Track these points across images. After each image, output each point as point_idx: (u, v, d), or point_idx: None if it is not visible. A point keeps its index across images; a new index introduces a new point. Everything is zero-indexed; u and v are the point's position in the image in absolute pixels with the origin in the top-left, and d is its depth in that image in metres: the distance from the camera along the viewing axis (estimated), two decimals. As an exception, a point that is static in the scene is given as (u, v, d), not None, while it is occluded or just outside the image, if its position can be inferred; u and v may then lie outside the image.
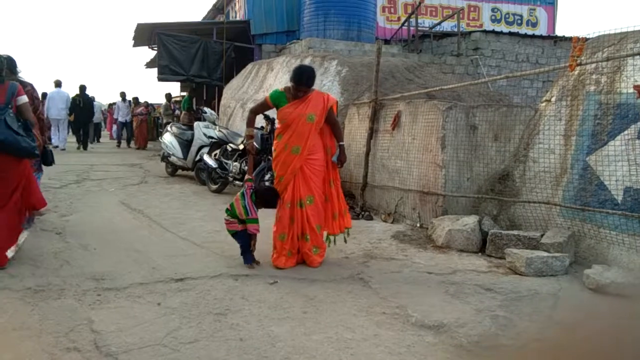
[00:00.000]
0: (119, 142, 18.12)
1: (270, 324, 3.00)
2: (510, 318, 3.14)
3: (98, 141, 19.65)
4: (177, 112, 17.50)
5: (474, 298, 3.45)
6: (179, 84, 23.07)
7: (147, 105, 18.66)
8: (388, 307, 3.28)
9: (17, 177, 3.93)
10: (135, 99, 18.11)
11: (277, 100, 4.03)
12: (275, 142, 4.15)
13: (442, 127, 5.24)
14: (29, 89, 4.75)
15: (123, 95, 17.57)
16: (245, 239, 3.99)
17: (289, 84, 4.01)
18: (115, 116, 17.66)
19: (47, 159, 4.78)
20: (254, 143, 4.11)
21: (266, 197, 4.03)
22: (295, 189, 3.98)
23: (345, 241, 4.40)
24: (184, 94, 19.91)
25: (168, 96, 17.38)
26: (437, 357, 2.73)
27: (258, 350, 2.66)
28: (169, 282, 3.66)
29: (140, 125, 17.24)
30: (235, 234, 4.03)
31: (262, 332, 2.89)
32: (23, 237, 4.26)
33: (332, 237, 4.25)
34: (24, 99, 3.97)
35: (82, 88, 14.98)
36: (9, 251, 3.90)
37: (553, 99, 4.81)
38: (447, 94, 7.40)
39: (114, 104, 19.19)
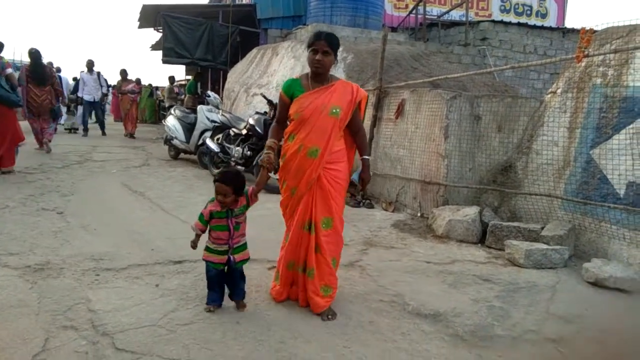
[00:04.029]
0: (85, 130, 13.05)
1: (267, 309, 3.01)
2: (506, 309, 3.14)
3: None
4: (182, 95, 17.35)
5: (471, 288, 3.46)
6: (184, 67, 23.02)
7: (138, 82, 15.01)
8: (385, 295, 3.28)
9: (11, 120, 6.67)
10: (123, 72, 14.10)
11: (289, 89, 3.01)
12: (285, 144, 3.06)
13: (445, 117, 5.21)
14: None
15: (90, 64, 12.60)
16: (209, 276, 2.94)
17: (303, 74, 3.12)
18: (79, 93, 12.78)
19: (56, 114, 9.42)
20: (271, 155, 2.97)
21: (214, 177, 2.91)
22: (307, 206, 2.95)
23: None
24: (189, 77, 19.80)
25: (171, 79, 17.33)
26: (432, 346, 2.74)
27: (254, 334, 2.67)
28: (167, 264, 3.67)
29: (132, 107, 13.80)
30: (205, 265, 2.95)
31: (258, 315, 2.90)
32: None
33: None
34: (9, 70, 6.69)
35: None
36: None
37: (559, 91, 4.76)
38: (453, 83, 7.34)
39: (77, 79, 14.46)
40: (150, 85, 20.97)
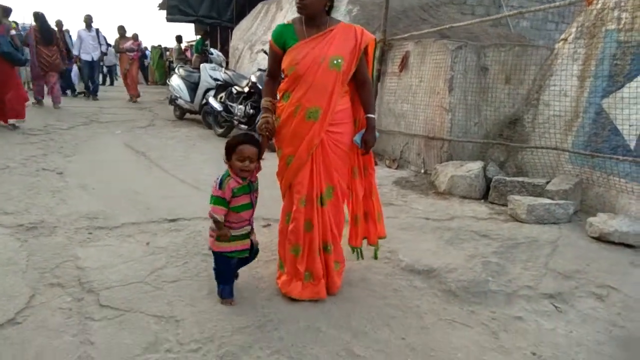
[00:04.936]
0: (87, 92, 12.14)
1: (257, 266, 2.96)
2: (503, 265, 3.06)
3: (112, 84, 19.20)
4: (192, 56, 17.02)
5: (468, 244, 3.37)
6: (193, 27, 22.62)
7: (135, 37, 12.87)
8: (379, 252, 3.21)
9: (14, 76, 7.24)
10: (121, 29, 12.59)
11: (280, 37, 2.53)
12: (279, 104, 2.61)
13: (450, 68, 4.99)
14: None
15: (88, 19, 11.41)
16: (222, 269, 2.51)
17: (296, 17, 2.60)
18: (75, 52, 11.30)
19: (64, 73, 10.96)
20: (269, 118, 2.53)
21: (229, 141, 2.45)
22: (314, 176, 2.54)
23: (376, 257, 2.95)
24: (199, 37, 19.45)
25: (178, 38, 17.00)
26: (424, 302, 2.69)
27: (241, 293, 2.64)
28: (161, 223, 3.65)
29: (131, 67, 12.38)
30: (215, 257, 2.52)
31: (248, 273, 2.86)
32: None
33: (357, 250, 2.88)
34: (13, 32, 7.42)
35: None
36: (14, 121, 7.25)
37: (570, 38, 4.49)
38: (463, 35, 7.02)
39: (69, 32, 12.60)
40: (159, 46, 20.69)
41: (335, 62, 2.43)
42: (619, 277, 3.00)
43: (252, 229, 2.54)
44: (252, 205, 2.46)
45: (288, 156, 2.55)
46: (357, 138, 2.60)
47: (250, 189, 2.44)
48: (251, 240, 2.53)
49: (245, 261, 2.59)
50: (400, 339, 2.35)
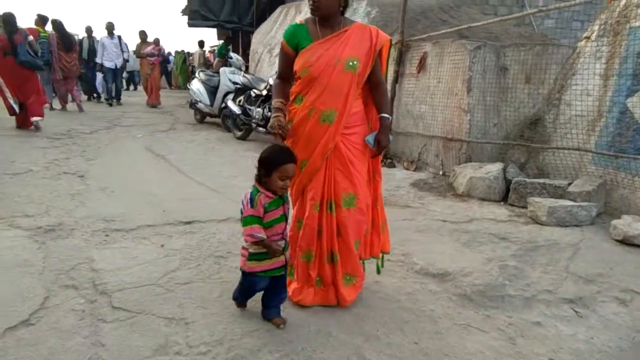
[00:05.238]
0: (112, 98, 12.18)
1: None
2: (521, 268, 2.98)
3: (135, 89, 19.52)
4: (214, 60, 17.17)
5: (486, 247, 3.29)
6: (215, 32, 22.87)
7: (157, 42, 12.57)
8: (393, 255, 3.15)
9: (36, 81, 7.63)
10: (142, 34, 12.50)
11: (293, 37, 2.43)
12: (291, 107, 2.52)
13: (468, 69, 4.90)
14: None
15: (110, 27, 11.44)
16: (249, 289, 2.36)
17: (309, 17, 2.50)
18: (98, 60, 11.43)
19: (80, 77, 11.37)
20: (281, 118, 2.42)
21: (268, 156, 2.19)
22: (327, 181, 2.45)
23: (379, 271, 2.83)
24: (222, 42, 19.63)
25: (201, 43, 17.17)
26: (438, 306, 2.63)
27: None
28: (176, 225, 3.67)
29: (153, 72, 12.15)
30: (243, 277, 2.34)
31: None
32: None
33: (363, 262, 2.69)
34: (31, 38, 7.43)
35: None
36: (36, 119, 7.59)
37: (593, 36, 4.37)
38: (483, 35, 6.91)
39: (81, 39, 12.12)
40: (183, 51, 21.00)
41: (350, 63, 2.35)
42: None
43: (286, 243, 2.32)
44: (285, 218, 2.27)
45: (302, 160, 2.42)
46: (370, 138, 2.49)
47: (283, 200, 2.25)
48: (285, 257, 2.29)
49: (277, 281, 2.31)
50: (413, 344, 2.30)
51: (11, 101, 7.26)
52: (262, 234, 2.13)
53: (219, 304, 2.50)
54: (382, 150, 2.57)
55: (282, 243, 2.25)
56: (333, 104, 2.37)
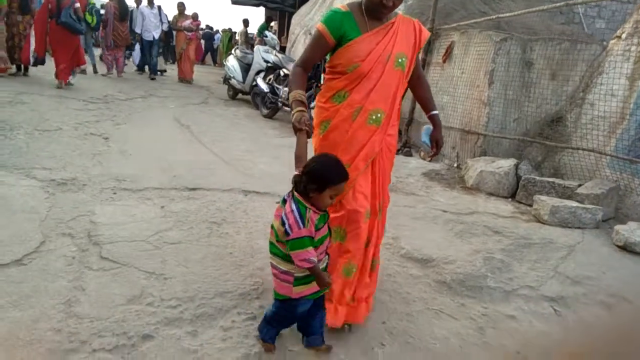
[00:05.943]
0: (154, 73, 11.93)
1: (258, 238, 3.04)
2: (508, 262, 2.95)
3: (173, 62, 19.56)
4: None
5: (477, 239, 3.27)
6: (263, 12, 23.02)
7: (195, 17, 12.07)
8: (383, 238, 3.19)
9: (74, 44, 8.16)
10: (181, 5, 11.74)
11: (340, 25, 2.08)
12: (328, 104, 2.21)
13: (492, 60, 4.80)
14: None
15: None
16: (290, 316, 2.00)
17: (352, 2, 2.18)
18: (137, 29, 11.17)
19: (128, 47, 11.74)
20: (305, 113, 2.03)
21: (323, 171, 1.83)
22: (377, 185, 2.22)
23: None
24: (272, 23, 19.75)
25: (245, 22, 17.33)
26: (415, 289, 2.66)
27: (235, 259, 2.72)
28: (182, 190, 3.80)
29: (188, 47, 11.77)
30: (284, 303, 1.95)
31: (247, 243, 2.95)
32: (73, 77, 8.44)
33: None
34: (77, 4, 7.94)
35: None
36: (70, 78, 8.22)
37: (624, 35, 4.19)
38: (522, 30, 6.70)
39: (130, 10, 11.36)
40: (230, 29, 21.26)
41: (400, 60, 2.13)
42: (635, 289, 2.82)
43: (329, 259, 2.03)
44: (330, 233, 2.00)
45: (345, 164, 2.04)
46: (426, 138, 2.30)
47: (327, 215, 1.98)
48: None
49: (318, 301, 2.01)
50: (381, 323, 2.34)
51: (30, 53, 8.19)
52: (313, 259, 1.79)
53: (200, 265, 2.61)
54: (440, 149, 2.40)
55: (326, 259, 1.99)
56: (381, 103, 2.14)
